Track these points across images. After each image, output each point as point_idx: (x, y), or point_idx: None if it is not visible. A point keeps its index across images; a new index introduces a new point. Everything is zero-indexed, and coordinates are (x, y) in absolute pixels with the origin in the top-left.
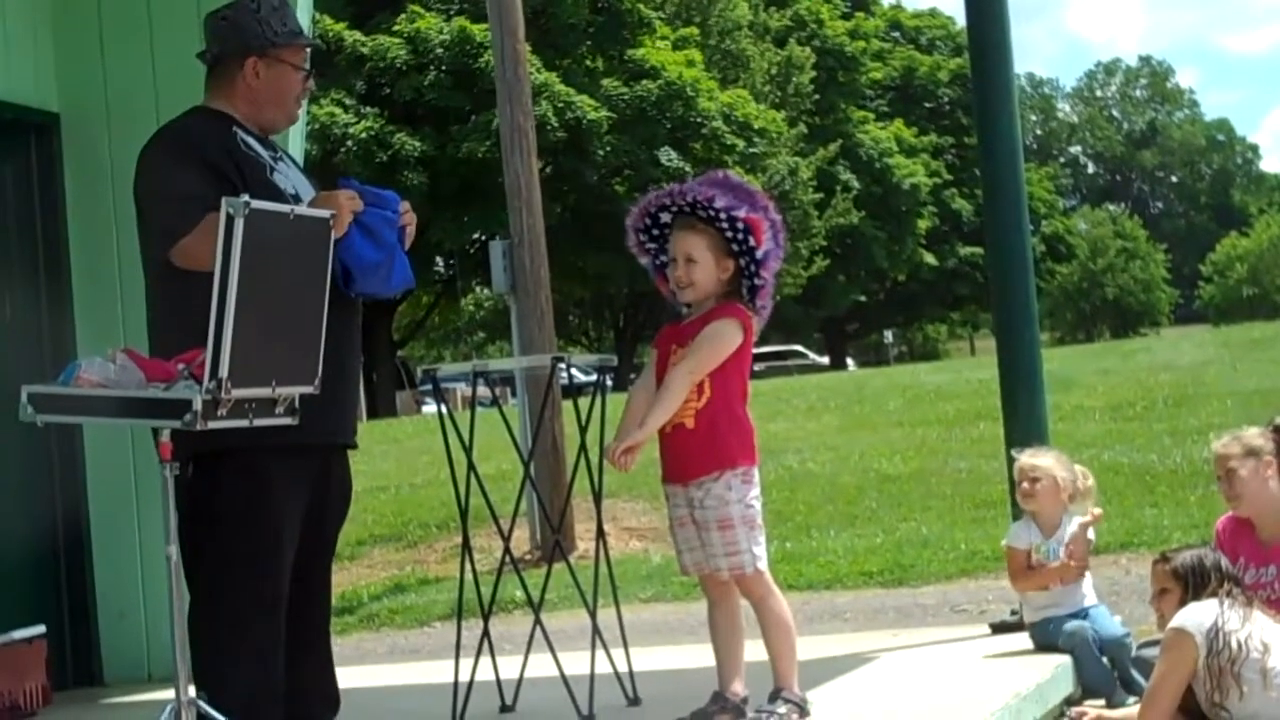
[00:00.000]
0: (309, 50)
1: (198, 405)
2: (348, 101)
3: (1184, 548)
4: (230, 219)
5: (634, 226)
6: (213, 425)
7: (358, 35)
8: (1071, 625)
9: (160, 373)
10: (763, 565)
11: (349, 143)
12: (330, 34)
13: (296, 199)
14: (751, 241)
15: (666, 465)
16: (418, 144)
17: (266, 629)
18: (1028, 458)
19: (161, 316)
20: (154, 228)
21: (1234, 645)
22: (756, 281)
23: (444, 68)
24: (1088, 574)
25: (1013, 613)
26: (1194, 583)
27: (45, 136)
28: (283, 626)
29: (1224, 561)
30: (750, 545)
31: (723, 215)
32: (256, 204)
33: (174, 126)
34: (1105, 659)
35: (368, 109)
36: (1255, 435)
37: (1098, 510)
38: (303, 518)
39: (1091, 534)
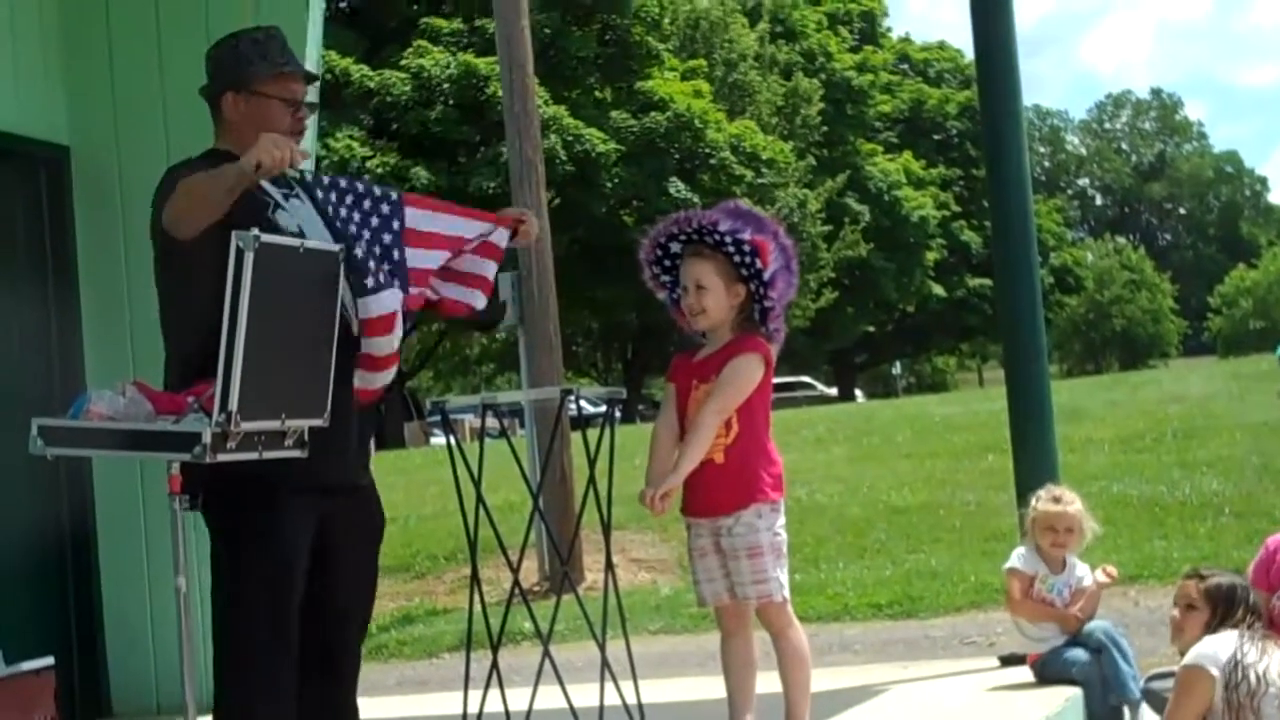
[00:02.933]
0: (307, 84)
1: (207, 438)
2: (355, 134)
3: (1220, 571)
4: (240, 253)
5: (646, 259)
6: (222, 458)
7: (364, 70)
8: (1079, 655)
9: (170, 405)
10: (787, 594)
11: (366, 176)
12: (338, 69)
13: (301, 235)
14: (758, 264)
15: (692, 499)
16: (431, 178)
17: (279, 658)
18: (1068, 507)
19: (173, 350)
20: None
21: (1253, 679)
22: (766, 304)
23: (450, 101)
24: None
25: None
26: (1223, 609)
27: (56, 168)
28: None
29: (1252, 596)
30: (777, 573)
31: (728, 239)
32: (266, 238)
33: (176, 165)
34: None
35: (380, 143)
36: None
37: (1113, 570)
38: (324, 557)
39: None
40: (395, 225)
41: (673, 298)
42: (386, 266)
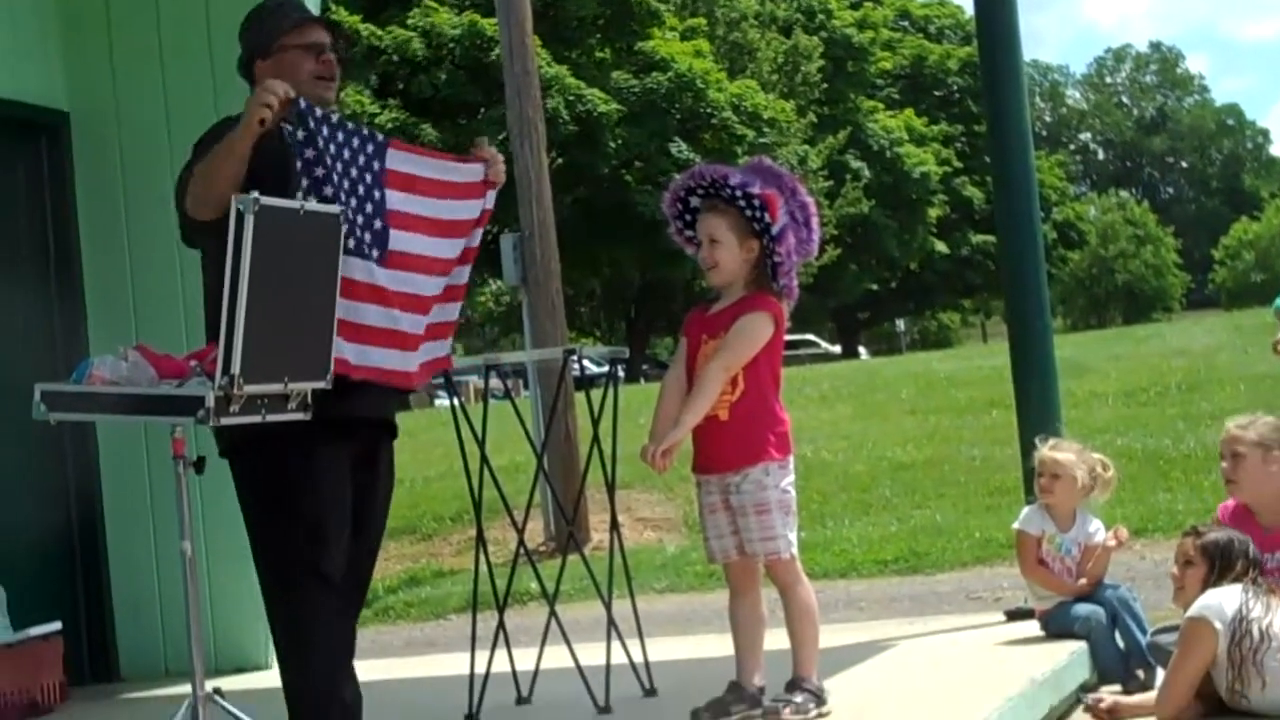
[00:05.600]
0: (328, 30)
1: (210, 402)
2: (363, 92)
3: (1217, 526)
4: (240, 215)
5: (670, 214)
6: (225, 422)
7: (373, 28)
8: (1085, 610)
9: (173, 369)
10: (795, 551)
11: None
12: (346, 26)
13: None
14: (767, 218)
15: (700, 456)
16: (439, 135)
17: (309, 593)
18: (1049, 451)
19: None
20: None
21: (1255, 634)
22: (775, 258)
23: (457, 62)
24: None
25: (1026, 600)
26: (1220, 563)
27: (55, 136)
28: (335, 587)
29: (1252, 548)
30: (785, 530)
31: (739, 191)
32: (265, 200)
33: (204, 134)
34: (1121, 644)
35: (389, 101)
36: (1270, 427)
37: (1124, 532)
38: (356, 494)
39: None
40: (376, 166)
41: (700, 252)
42: (362, 223)
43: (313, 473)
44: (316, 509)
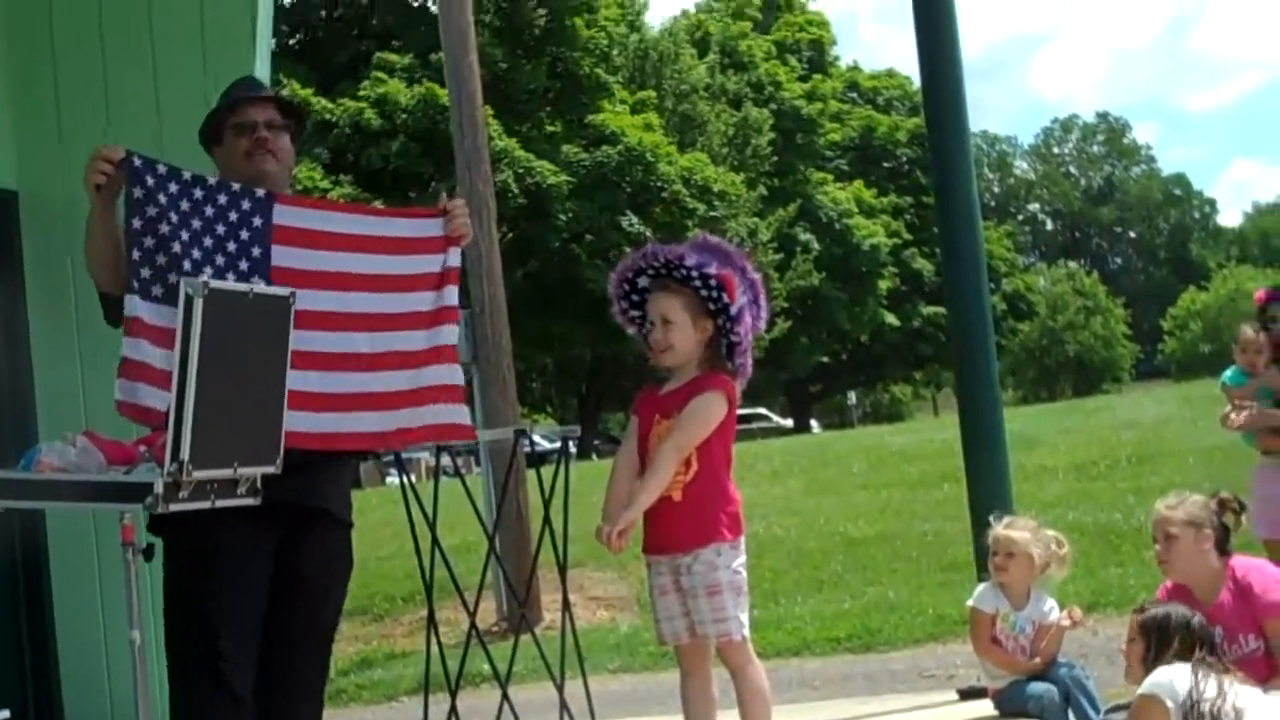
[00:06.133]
0: (275, 105)
1: (159, 488)
2: (313, 167)
3: (1162, 603)
4: (189, 299)
5: (615, 294)
6: (174, 508)
7: (324, 102)
8: (1039, 689)
9: (121, 455)
10: (746, 633)
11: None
12: (292, 98)
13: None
14: (725, 298)
15: (651, 537)
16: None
17: (201, 683)
18: (1003, 529)
19: None
20: None
21: (1208, 715)
22: (732, 338)
23: (410, 134)
24: None
25: (979, 679)
26: (1156, 640)
27: (3, 214)
28: (229, 683)
29: (1196, 622)
30: (737, 611)
31: (694, 273)
32: (215, 284)
33: None
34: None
35: (339, 176)
36: (1199, 506)
37: (1078, 612)
38: (277, 582)
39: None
40: (256, 222)
41: (643, 333)
42: (231, 276)
43: (213, 559)
44: (209, 598)
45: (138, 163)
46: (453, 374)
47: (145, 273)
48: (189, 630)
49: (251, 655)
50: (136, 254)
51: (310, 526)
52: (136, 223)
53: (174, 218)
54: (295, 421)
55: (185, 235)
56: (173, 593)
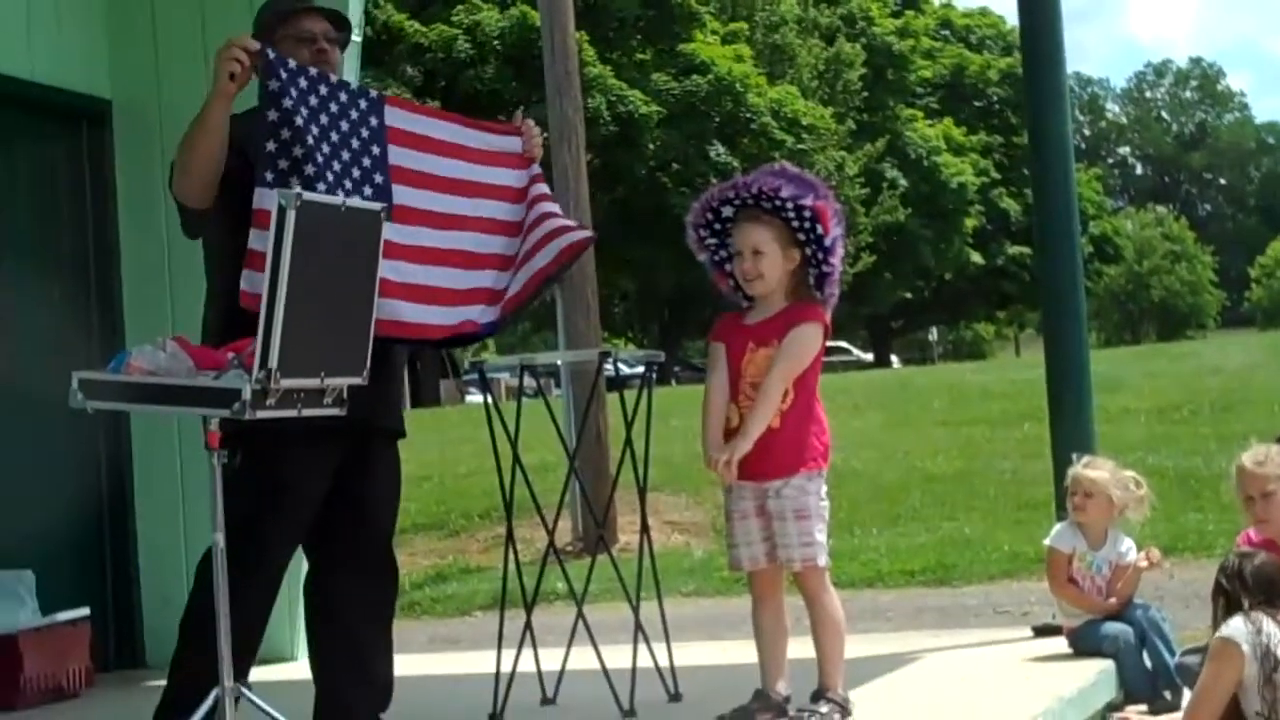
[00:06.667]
0: (330, 21)
1: (247, 395)
2: (404, 92)
3: (1248, 551)
4: (282, 210)
5: (695, 223)
6: (261, 415)
7: (417, 25)
8: (1114, 629)
9: (210, 361)
10: (828, 560)
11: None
12: (392, 24)
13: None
14: (819, 229)
15: (744, 463)
16: None
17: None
18: (1083, 469)
19: (206, 303)
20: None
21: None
22: (825, 269)
23: (503, 58)
24: None
25: (1055, 616)
26: (1240, 587)
27: (97, 124)
28: (269, 594)
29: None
30: (821, 538)
31: (789, 205)
32: (308, 195)
33: None
34: (1149, 664)
35: (430, 101)
36: None
37: (1155, 553)
38: (341, 501)
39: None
40: (373, 122)
41: (715, 260)
42: (358, 177)
43: (278, 469)
44: (267, 511)
45: (272, 55)
46: (509, 280)
47: (282, 164)
48: (235, 529)
49: (286, 564)
50: (272, 145)
51: (371, 443)
52: (273, 114)
53: (305, 113)
54: (397, 311)
55: (315, 130)
56: (232, 495)
